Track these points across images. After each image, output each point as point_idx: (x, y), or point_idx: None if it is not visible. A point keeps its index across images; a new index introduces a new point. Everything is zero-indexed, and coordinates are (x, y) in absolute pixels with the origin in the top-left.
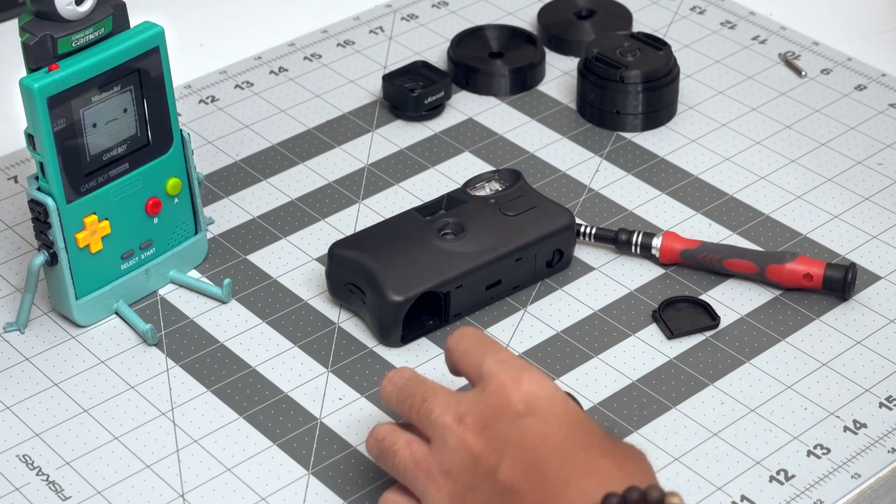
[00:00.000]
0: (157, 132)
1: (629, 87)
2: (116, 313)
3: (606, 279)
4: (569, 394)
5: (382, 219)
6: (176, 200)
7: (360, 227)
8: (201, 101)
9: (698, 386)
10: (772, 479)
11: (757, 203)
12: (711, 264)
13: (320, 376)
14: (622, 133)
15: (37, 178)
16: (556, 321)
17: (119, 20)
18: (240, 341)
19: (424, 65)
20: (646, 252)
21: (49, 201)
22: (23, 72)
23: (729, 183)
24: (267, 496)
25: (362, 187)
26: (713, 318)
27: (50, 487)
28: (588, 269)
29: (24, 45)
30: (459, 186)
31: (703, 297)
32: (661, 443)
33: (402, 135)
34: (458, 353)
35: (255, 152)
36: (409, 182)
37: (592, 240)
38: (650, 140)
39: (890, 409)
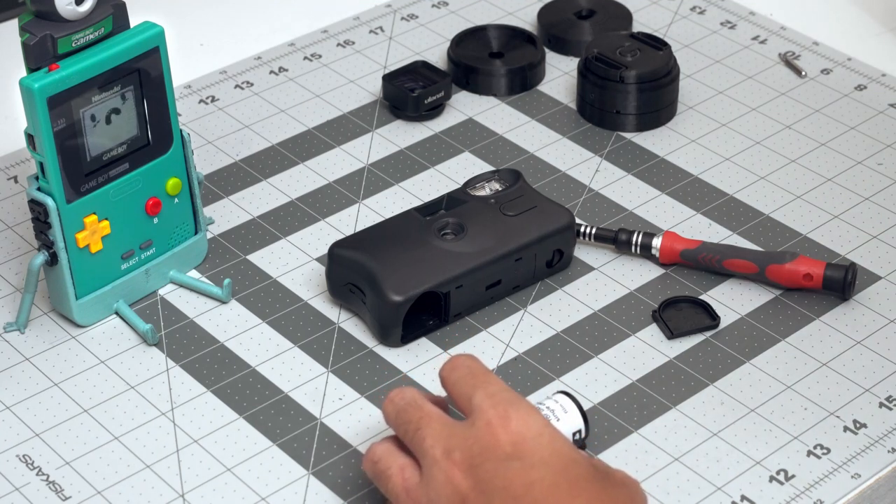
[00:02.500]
0: (157, 132)
1: (629, 87)
2: (116, 313)
3: (606, 279)
4: (569, 394)
5: (382, 219)
6: (176, 200)
7: (360, 227)
8: (201, 101)
9: (698, 386)
10: (772, 479)
11: (757, 203)
12: (711, 264)
13: (320, 376)
14: (622, 133)
15: (37, 178)
16: (556, 321)
17: (119, 20)
18: (240, 341)
19: (424, 65)
20: (646, 252)
21: (49, 201)
22: (23, 72)
23: (729, 183)
24: (267, 496)
25: (362, 187)
26: (713, 318)
27: (50, 487)
28: (588, 269)
29: (24, 45)
30: (459, 186)
31: (703, 297)
32: (661, 443)
33: (402, 135)
34: (450, 384)
35: (255, 152)
36: (409, 182)
37: (592, 240)
38: (650, 140)
39: (890, 409)
